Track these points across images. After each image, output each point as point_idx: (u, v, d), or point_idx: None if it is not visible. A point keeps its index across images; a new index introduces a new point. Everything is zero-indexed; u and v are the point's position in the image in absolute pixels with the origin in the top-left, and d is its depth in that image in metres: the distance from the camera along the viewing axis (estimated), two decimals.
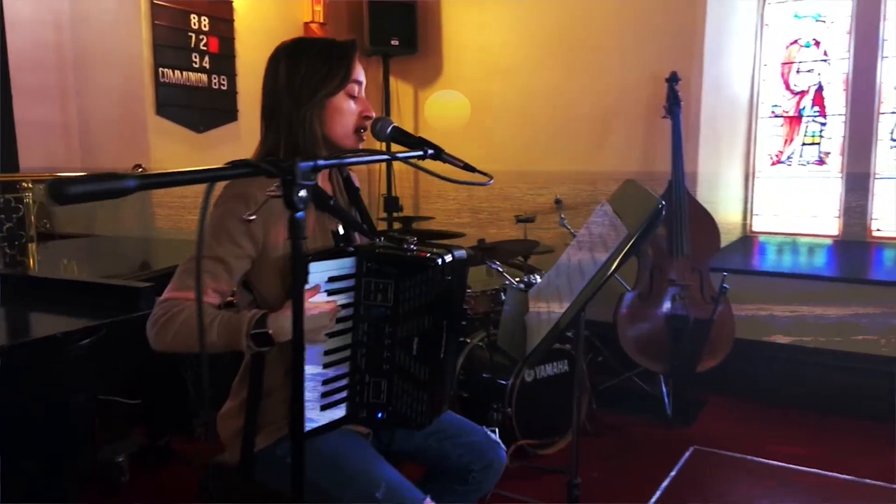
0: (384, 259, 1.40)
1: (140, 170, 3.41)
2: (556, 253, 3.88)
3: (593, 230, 1.53)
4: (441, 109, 4.56)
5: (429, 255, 1.41)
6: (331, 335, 1.37)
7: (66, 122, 3.88)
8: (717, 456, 3.07)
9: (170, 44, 3.56)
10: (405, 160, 1.30)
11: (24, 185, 3.21)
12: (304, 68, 1.42)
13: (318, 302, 1.31)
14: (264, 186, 1.34)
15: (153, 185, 0.76)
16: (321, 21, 4.28)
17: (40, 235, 3.51)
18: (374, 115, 1.49)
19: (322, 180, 1.52)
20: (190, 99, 3.64)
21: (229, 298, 1.42)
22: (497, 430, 3.04)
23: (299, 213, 0.92)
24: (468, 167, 1.41)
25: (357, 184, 1.65)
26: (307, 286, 1.32)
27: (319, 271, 1.34)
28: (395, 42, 4.40)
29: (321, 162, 0.98)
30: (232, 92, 3.86)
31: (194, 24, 3.66)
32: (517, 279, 3.46)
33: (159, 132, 3.56)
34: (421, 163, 1.36)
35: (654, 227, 1.17)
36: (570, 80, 4.22)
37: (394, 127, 1.45)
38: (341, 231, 1.51)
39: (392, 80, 4.66)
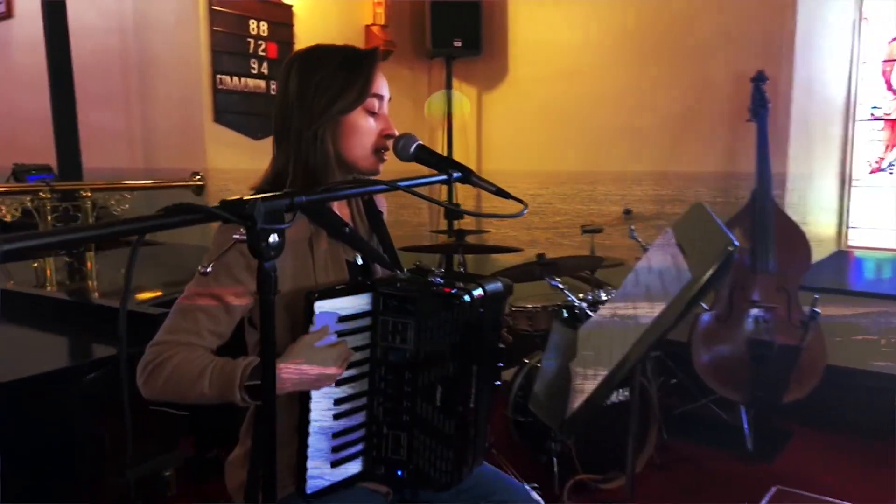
0: (403, 295, 1.23)
1: (197, 178, 3.38)
2: (626, 268, 3.66)
3: (654, 262, 1.31)
4: (440, 109, 4.38)
5: (455, 290, 1.22)
6: (343, 381, 1.21)
7: (129, 127, 3.91)
8: (804, 498, 2.75)
9: (228, 50, 3.51)
10: (409, 189, 1.11)
11: (83, 193, 3.22)
12: (318, 80, 1.26)
13: (323, 347, 1.16)
14: None
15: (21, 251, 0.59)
16: (382, 23, 4.16)
17: (106, 243, 3.54)
18: (395, 133, 1.32)
19: (339, 204, 1.37)
20: (247, 105, 3.59)
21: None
22: (555, 461, 2.86)
23: (268, 263, 0.76)
24: (501, 192, 1.22)
25: (382, 207, 1.48)
26: (313, 328, 1.16)
27: (328, 310, 1.18)
28: (458, 43, 4.23)
29: (301, 198, 0.82)
30: None
31: (253, 30, 3.60)
32: (582, 295, 3.23)
33: (216, 139, 3.52)
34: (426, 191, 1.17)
35: (723, 274, 0.95)
36: (643, 80, 3.94)
37: (418, 146, 1.27)
38: (359, 261, 1.35)
39: (455, 83, 4.50)
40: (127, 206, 3.22)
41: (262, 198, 0.76)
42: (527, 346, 3.31)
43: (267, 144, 3.67)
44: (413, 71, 4.55)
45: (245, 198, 0.76)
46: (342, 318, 1.20)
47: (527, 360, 3.18)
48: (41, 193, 3.10)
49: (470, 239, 3.38)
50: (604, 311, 1.45)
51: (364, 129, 1.29)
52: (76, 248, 3.16)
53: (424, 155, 1.26)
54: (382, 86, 1.32)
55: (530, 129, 4.40)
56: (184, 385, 1.14)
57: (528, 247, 4.35)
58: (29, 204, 3.05)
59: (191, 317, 1.18)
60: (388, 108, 1.35)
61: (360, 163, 1.30)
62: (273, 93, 3.70)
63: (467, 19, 4.23)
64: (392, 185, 1.10)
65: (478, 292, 1.25)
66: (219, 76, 3.48)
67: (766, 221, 3.16)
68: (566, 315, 2.92)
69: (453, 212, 4.43)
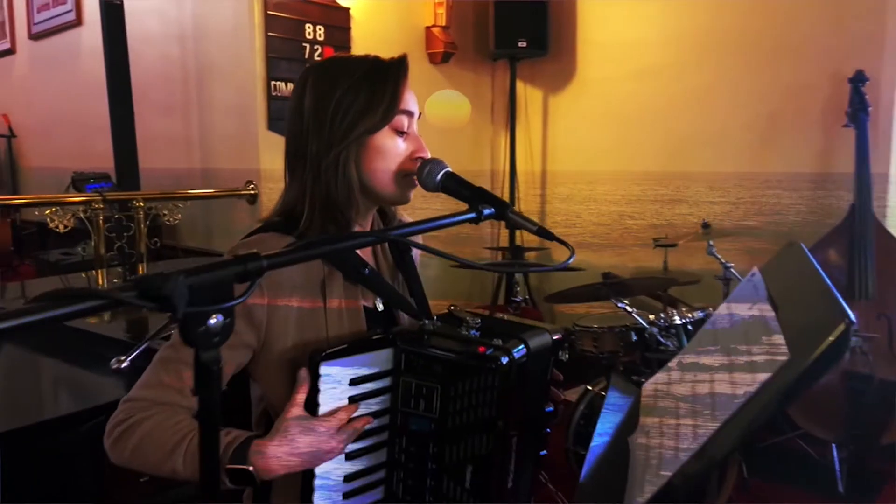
0: (429, 353, 1.04)
1: (251, 186, 3.30)
2: (702, 287, 3.36)
3: (737, 316, 1.07)
4: (439, 109, 4.11)
5: (490, 349, 1.03)
6: (355, 454, 1.03)
7: (188, 135, 3.88)
8: None
9: (283, 55, 3.41)
10: (405, 241, 0.92)
11: (136, 203, 3.19)
12: (338, 96, 1.08)
13: (324, 418, 0.98)
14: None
15: None
16: (444, 24, 3.98)
17: (166, 251, 3.52)
18: (427, 155, 1.14)
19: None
20: None
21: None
22: None
23: (205, 353, 0.58)
24: (544, 233, 1.01)
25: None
26: (320, 395, 0.99)
27: (334, 374, 1.00)
28: (522, 43, 4.00)
29: (262, 262, 0.64)
30: None
31: (308, 34, 3.49)
32: (653, 316, 2.96)
33: (270, 147, 3.43)
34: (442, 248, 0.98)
35: (834, 360, 0.71)
36: (724, 81, 3.61)
37: (446, 173, 1.08)
38: (380, 307, 1.16)
39: (519, 85, 4.28)
40: (180, 215, 3.17)
41: (190, 271, 0.58)
42: (591, 370, 3.08)
43: None
44: (476, 73, 4.35)
45: (164, 273, 0.58)
46: (355, 381, 1.02)
47: (590, 387, 2.95)
48: (94, 204, 3.07)
49: (530, 255, 3.17)
50: (674, 369, 1.22)
51: (392, 151, 1.11)
52: (132, 257, 3.13)
53: (452, 184, 1.07)
54: (412, 101, 1.13)
55: (599, 131, 4.13)
56: (154, 458, 0.97)
57: (595, 258, 4.10)
58: (81, 214, 3.03)
59: (173, 370, 1.01)
60: (415, 124, 1.16)
61: (386, 190, 1.12)
62: None
63: (533, 18, 4.01)
64: (381, 236, 0.91)
65: (519, 350, 1.05)
66: (273, 82, 3.39)
67: (865, 241, 2.81)
68: (627, 371, 2.67)
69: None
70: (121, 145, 3.44)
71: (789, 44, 3.39)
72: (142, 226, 3.11)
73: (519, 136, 4.34)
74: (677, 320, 2.81)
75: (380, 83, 1.09)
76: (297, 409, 0.98)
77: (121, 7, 3.35)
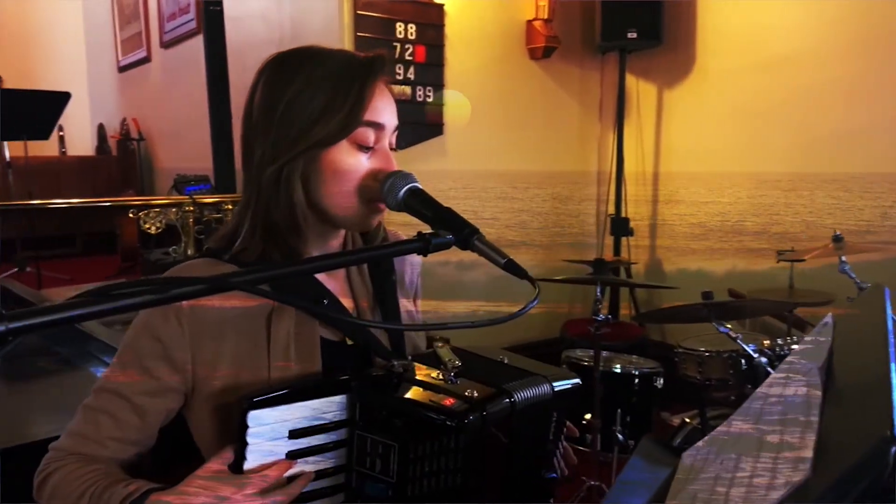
0: (385, 403, 0.86)
1: None
2: (835, 306, 2.88)
3: (790, 383, 0.80)
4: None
5: (455, 403, 0.83)
6: None
7: None
8: None
9: None
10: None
11: (226, 206, 3.23)
12: (290, 96, 0.91)
13: (241, 479, 0.82)
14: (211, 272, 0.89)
15: None
16: (546, 17, 3.73)
17: None
18: (405, 172, 0.94)
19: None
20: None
21: None
22: None
23: None
24: (512, 267, 0.79)
25: (406, 264, 1.11)
26: (248, 449, 0.83)
27: (268, 424, 0.84)
28: (632, 34, 3.67)
29: (6, 326, 0.48)
30: (438, 104, 3.52)
31: (400, 33, 3.39)
32: (769, 342, 2.58)
33: None
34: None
35: (863, 483, 0.46)
36: (872, 71, 3.10)
37: (410, 189, 0.88)
38: (348, 342, 0.99)
39: (630, 80, 3.94)
40: None
41: None
42: (692, 399, 2.74)
43: (410, 154, 3.47)
44: (582, 68, 4.06)
45: None
46: (296, 433, 0.86)
47: (687, 420, 2.62)
48: (185, 206, 3.14)
49: (636, 270, 2.87)
50: (721, 435, 0.95)
51: (350, 169, 0.92)
52: None
53: (416, 204, 0.87)
54: (384, 110, 0.94)
55: (720, 129, 3.70)
56: None
57: (712, 269, 3.70)
58: (173, 217, 3.11)
59: (91, 419, 0.92)
60: (392, 138, 0.97)
61: (344, 214, 0.94)
62: (419, 99, 3.47)
63: (645, 6, 3.66)
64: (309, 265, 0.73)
65: (497, 404, 0.85)
66: None
67: None
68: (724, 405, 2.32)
69: (622, 228, 3.89)
70: (219, 148, 3.52)
71: None
72: None
73: (628, 134, 4.00)
74: (795, 345, 2.41)
75: (342, 85, 0.91)
76: (213, 464, 0.83)
77: (220, 12, 3.41)
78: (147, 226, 3.03)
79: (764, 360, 2.36)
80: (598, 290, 2.44)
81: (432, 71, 3.50)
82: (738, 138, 3.64)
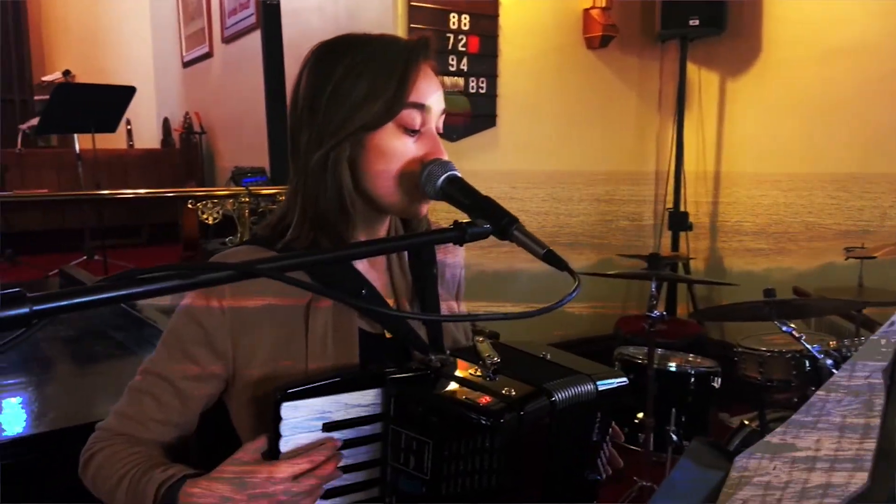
0: (420, 399, 0.84)
1: None
2: None
3: (863, 375, 0.75)
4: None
5: (492, 402, 0.81)
6: None
7: None
8: None
9: None
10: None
11: (280, 197, 3.28)
12: (336, 81, 0.90)
13: (271, 466, 0.81)
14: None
15: None
16: (604, 5, 3.64)
17: None
18: (444, 159, 0.92)
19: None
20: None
21: None
22: None
23: None
24: (552, 258, 0.76)
25: (450, 255, 1.09)
26: (281, 441, 0.83)
27: (301, 416, 0.83)
28: (694, 21, 3.54)
29: (27, 309, 0.48)
30: (491, 95, 3.48)
31: (453, 24, 3.36)
32: (835, 343, 2.46)
33: None
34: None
35: None
36: None
37: (449, 177, 0.86)
38: (387, 335, 0.97)
39: (691, 69, 3.80)
40: None
41: None
42: (752, 400, 2.64)
43: (463, 146, 3.44)
44: (641, 58, 3.95)
45: None
46: (330, 425, 0.85)
47: (746, 422, 2.51)
48: (242, 198, 3.20)
49: (695, 266, 2.78)
50: (777, 439, 0.90)
51: (397, 153, 0.91)
52: None
53: (455, 192, 0.85)
54: (430, 92, 0.92)
55: (787, 121, 3.54)
56: (105, 490, 0.90)
57: (773, 266, 3.55)
58: (229, 208, 3.17)
59: (136, 400, 0.94)
60: (439, 122, 0.95)
61: (389, 199, 0.93)
62: (472, 90, 3.43)
63: None
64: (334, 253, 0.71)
65: (535, 404, 0.82)
66: None
67: None
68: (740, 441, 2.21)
69: (681, 222, 3.77)
70: (275, 140, 3.57)
71: None
72: None
73: (689, 126, 3.86)
74: (859, 345, 2.29)
75: (386, 68, 0.90)
76: (247, 451, 0.83)
77: (277, 7, 3.46)
78: (205, 216, 3.10)
79: (829, 361, 2.25)
80: (654, 286, 2.36)
81: (486, 62, 3.46)
82: (802, 130, 3.47)
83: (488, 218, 0.79)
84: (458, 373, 0.88)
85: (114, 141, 5.77)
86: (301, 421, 0.83)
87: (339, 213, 0.92)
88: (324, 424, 0.84)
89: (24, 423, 1.36)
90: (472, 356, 0.91)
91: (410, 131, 0.91)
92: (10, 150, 5.21)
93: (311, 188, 0.92)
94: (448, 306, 1.06)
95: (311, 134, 0.92)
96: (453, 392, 0.84)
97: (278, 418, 0.82)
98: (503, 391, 0.82)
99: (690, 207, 3.84)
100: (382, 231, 1.01)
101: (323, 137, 0.91)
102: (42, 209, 5.10)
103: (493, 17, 3.46)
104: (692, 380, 2.56)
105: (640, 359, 2.65)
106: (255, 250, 0.94)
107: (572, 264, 0.76)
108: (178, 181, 5.86)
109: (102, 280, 0.51)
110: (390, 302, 0.99)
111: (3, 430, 1.31)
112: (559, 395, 0.84)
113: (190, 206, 3.12)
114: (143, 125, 6.74)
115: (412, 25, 3.29)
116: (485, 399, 0.81)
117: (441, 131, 0.96)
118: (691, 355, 2.75)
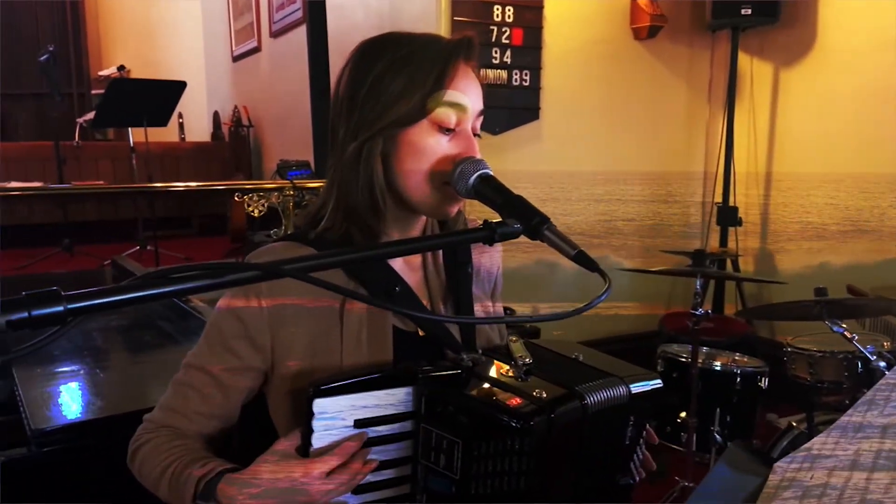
0: (450, 399, 0.84)
1: None
2: None
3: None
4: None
5: (522, 403, 0.80)
6: None
7: None
8: None
9: None
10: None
11: None
12: (374, 76, 0.91)
13: (306, 463, 0.82)
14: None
15: None
16: None
17: None
18: (477, 157, 0.92)
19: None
20: (486, 98, 3.33)
21: None
22: None
23: None
24: (583, 259, 0.75)
25: (486, 256, 1.08)
26: (314, 436, 0.84)
27: (337, 410, 0.84)
28: (746, 11, 3.44)
29: (62, 307, 0.49)
30: (535, 87, 3.45)
31: (497, 16, 3.34)
32: (888, 344, 2.38)
33: None
34: None
35: None
36: None
37: (481, 176, 0.86)
38: (420, 333, 0.98)
39: (743, 59, 3.69)
40: None
41: None
42: (802, 401, 2.57)
43: (506, 140, 3.42)
44: (692, 48, 3.85)
45: None
46: (362, 422, 0.86)
47: (794, 423, 2.45)
48: (286, 191, 3.25)
49: (745, 265, 2.71)
50: (817, 446, 0.87)
51: (430, 150, 0.91)
52: None
53: (486, 190, 0.84)
54: (467, 92, 0.92)
55: (844, 114, 3.40)
56: (150, 481, 0.93)
57: (829, 264, 3.44)
58: (274, 201, 3.22)
59: (180, 393, 0.96)
60: (476, 123, 0.95)
61: (420, 198, 0.93)
62: (515, 83, 3.41)
63: None
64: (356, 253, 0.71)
65: (567, 407, 0.81)
66: None
67: None
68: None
69: (729, 217, 3.68)
70: (319, 134, 3.62)
71: None
72: None
73: (739, 119, 3.76)
74: None
75: (424, 65, 0.90)
76: (281, 445, 0.85)
77: (323, 2, 3.49)
78: (251, 209, 3.15)
79: (882, 363, 2.17)
80: (698, 283, 2.31)
81: (530, 54, 3.43)
82: (859, 123, 3.34)
83: (519, 217, 0.79)
84: (489, 373, 0.88)
85: (166, 134, 5.92)
86: (333, 416, 0.84)
87: (369, 207, 0.93)
88: (355, 420, 0.85)
89: (80, 409, 1.40)
90: (505, 356, 0.91)
91: (445, 130, 0.92)
92: (68, 143, 5.40)
93: (345, 180, 0.93)
94: (483, 305, 1.06)
95: (349, 127, 0.93)
96: (484, 392, 0.84)
97: (311, 413, 0.83)
98: (534, 393, 0.81)
99: (740, 197, 3.73)
100: (416, 231, 1.01)
101: (359, 131, 0.92)
102: (98, 200, 5.28)
103: (538, 8, 3.42)
104: (738, 380, 2.50)
105: (683, 357, 2.60)
106: (289, 247, 0.96)
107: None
108: (227, 174, 6.00)
109: (135, 279, 0.52)
110: (424, 300, 1.00)
111: (64, 416, 1.35)
112: (591, 398, 0.83)
113: (236, 198, 3.18)
114: (195, 119, 6.90)
115: (455, 18, 3.27)
116: (515, 400, 0.81)
117: (478, 132, 0.96)
118: (737, 354, 2.68)
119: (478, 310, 1.04)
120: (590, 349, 0.98)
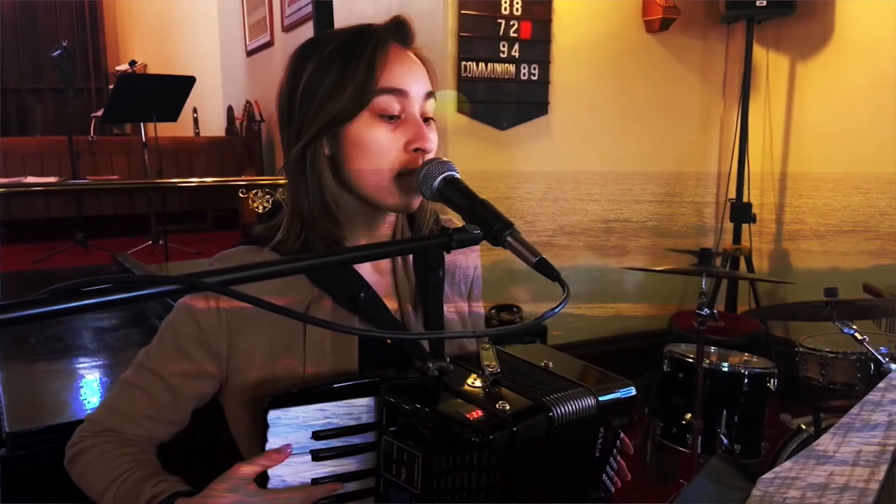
0: (411, 410, 0.81)
1: None
2: None
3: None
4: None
5: (483, 416, 0.77)
6: None
7: None
8: None
9: (476, 34, 3.25)
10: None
11: None
12: (308, 76, 0.88)
13: (267, 492, 0.79)
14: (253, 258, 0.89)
15: None
16: None
17: None
18: (429, 145, 0.89)
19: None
20: (493, 93, 3.29)
21: None
22: None
23: None
24: (543, 266, 0.71)
25: (464, 259, 1.05)
26: (268, 446, 0.81)
27: (294, 422, 0.82)
28: (761, 2, 3.35)
29: None
30: (543, 82, 3.39)
31: (505, 9, 3.28)
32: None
33: (457, 130, 3.31)
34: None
35: None
36: None
37: (446, 178, 0.82)
38: (388, 340, 0.95)
39: (758, 52, 3.60)
40: None
41: None
42: (812, 403, 2.51)
43: (513, 135, 3.37)
44: (705, 41, 3.77)
45: None
46: (320, 434, 0.83)
47: (803, 426, 2.38)
48: None
49: (759, 265, 2.64)
50: (802, 458, 0.83)
51: (375, 142, 0.87)
52: None
53: (451, 194, 0.81)
54: (406, 75, 0.89)
55: (862, 108, 3.31)
56: (94, 491, 0.90)
57: (845, 264, 3.35)
58: (279, 196, 3.20)
59: (128, 394, 0.93)
60: (426, 107, 0.91)
61: (375, 193, 0.90)
62: (523, 78, 3.36)
63: None
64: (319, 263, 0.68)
65: (531, 420, 0.78)
66: (464, 63, 3.25)
67: None
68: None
69: (743, 214, 3.60)
70: None
71: None
72: None
73: (754, 112, 3.67)
74: None
75: (353, 56, 0.87)
76: (241, 471, 0.81)
77: (330, 4, 3.45)
78: (255, 204, 3.14)
79: (894, 366, 2.10)
80: (703, 282, 2.25)
81: (538, 47, 3.37)
82: (879, 118, 3.24)
83: (481, 223, 0.75)
84: (455, 383, 0.84)
85: (182, 129, 5.95)
86: (290, 429, 0.81)
87: (321, 212, 0.89)
88: (314, 432, 0.82)
89: (60, 412, 1.39)
90: (474, 365, 0.88)
91: (388, 117, 0.88)
92: (83, 138, 5.44)
93: (294, 187, 0.90)
94: (456, 307, 1.03)
95: (290, 132, 0.91)
96: (446, 404, 0.80)
97: (266, 425, 0.80)
98: (497, 405, 0.78)
99: (755, 193, 3.64)
100: (385, 229, 0.98)
101: (300, 134, 0.89)
102: (112, 195, 5.32)
103: (547, 1, 3.36)
104: (745, 381, 2.44)
105: (690, 357, 2.54)
106: (253, 250, 0.93)
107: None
108: (240, 169, 6.00)
109: (43, 293, 0.50)
110: (393, 305, 0.96)
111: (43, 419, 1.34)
112: (557, 410, 0.79)
113: (241, 194, 3.17)
114: (210, 113, 6.92)
115: (463, 12, 3.23)
116: (476, 413, 0.77)
117: (430, 115, 0.92)
118: (747, 355, 2.62)
119: (450, 311, 1.00)
120: (563, 355, 0.94)
